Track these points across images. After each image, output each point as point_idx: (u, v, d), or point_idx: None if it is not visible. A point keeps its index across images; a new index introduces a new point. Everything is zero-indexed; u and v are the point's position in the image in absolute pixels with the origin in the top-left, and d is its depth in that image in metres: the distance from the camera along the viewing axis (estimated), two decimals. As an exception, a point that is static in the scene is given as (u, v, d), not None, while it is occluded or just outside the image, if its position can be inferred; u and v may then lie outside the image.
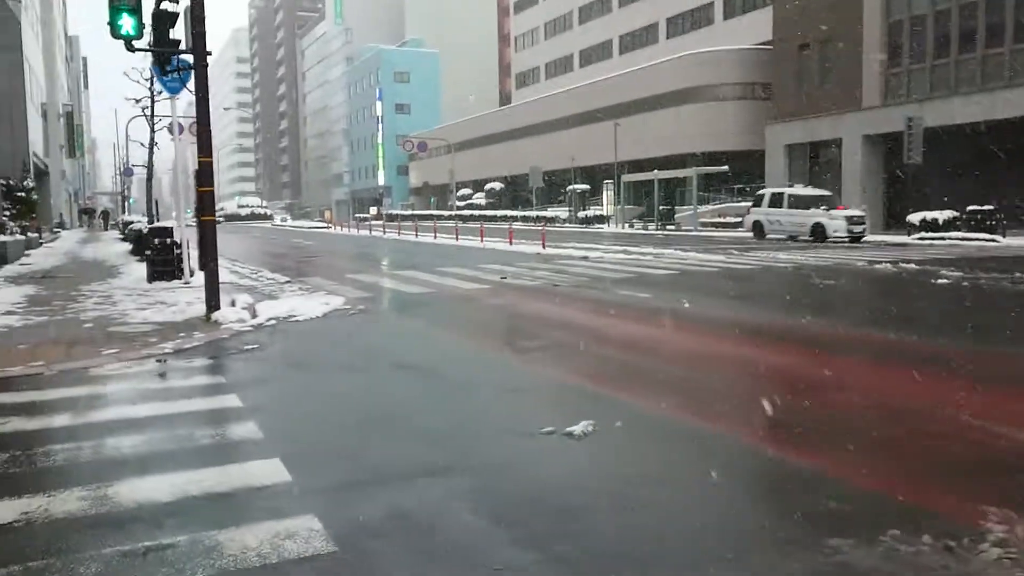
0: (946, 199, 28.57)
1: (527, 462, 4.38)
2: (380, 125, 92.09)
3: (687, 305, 10.48)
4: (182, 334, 8.94)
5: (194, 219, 16.38)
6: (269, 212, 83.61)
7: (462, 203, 68.26)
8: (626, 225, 42.62)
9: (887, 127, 32.33)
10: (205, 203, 10.37)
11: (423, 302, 11.79)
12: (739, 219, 39.46)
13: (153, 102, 21.38)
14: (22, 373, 7.05)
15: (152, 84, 21.08)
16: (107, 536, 3.48)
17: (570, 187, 48.89)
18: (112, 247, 28.11)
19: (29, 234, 26.57)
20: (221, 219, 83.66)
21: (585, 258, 18.91)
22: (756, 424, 5.09)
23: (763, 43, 46.64)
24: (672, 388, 6.11)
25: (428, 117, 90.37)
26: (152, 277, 14.75)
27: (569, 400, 5.81)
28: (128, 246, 26.62)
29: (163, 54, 10.67)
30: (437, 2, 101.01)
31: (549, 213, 50.57)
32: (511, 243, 24.02)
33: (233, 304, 10.43)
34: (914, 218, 27.84)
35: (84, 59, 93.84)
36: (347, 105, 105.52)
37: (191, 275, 14.76)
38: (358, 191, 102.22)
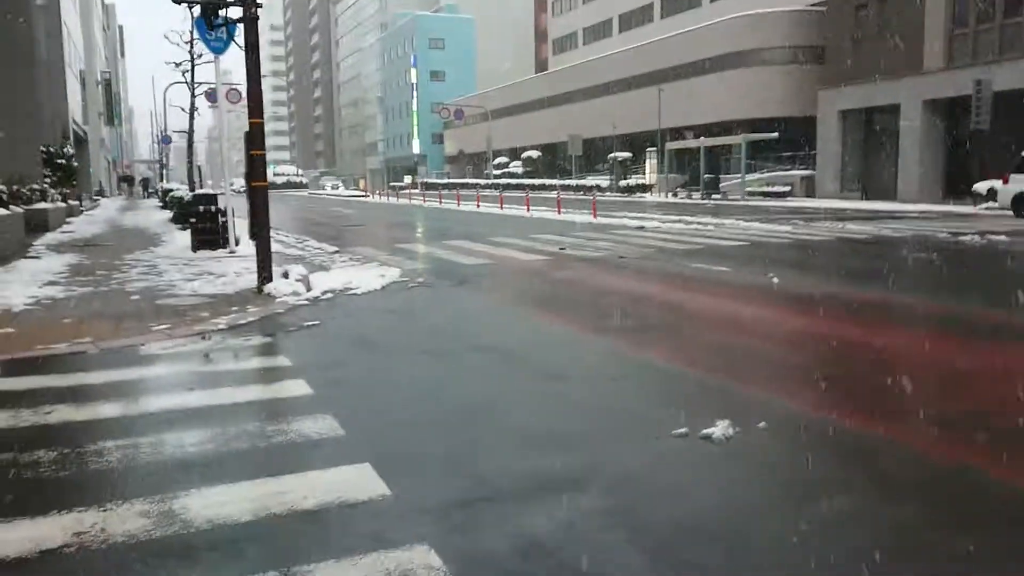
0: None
1: (670, 474, 3.64)
2: (415, 93, 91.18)
3: (776, 280, 9.61)
4: (235, 308, 8.31)
5: (230, 187, 15.82)
6: (304, 181, 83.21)
7: (498, 171, 67.32)
8: (670, 194, 41.48)
9: (950, 91, 30.74)
10: (256, 167, 9.69)
11: (484, 274, 11.06)
12: (787, 188, 38.13)
13: (193, 66, 20.76)
14: (68, 351, 6.46)
15: (192, 47, 20.45)
16: (179, 570, 2.81)
17: (611, 155, 47.71)
18: (152, 215, 27.77)
19: (70, 202, 26.29)
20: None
21: (642, 228, 18.04)
22: (934, 429, 4.27)
23: (815, 4, 44.85)
24: (808, 380, 5.30)
25: (463, 84, 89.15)
26: (196, 246, 14.20)
27: (688, 393, 5.04)
28: (168, 214, 26.25)
29: (210, 5, 9.94)
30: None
31: (589, 182, 49.46)
32: (559, 212, 23.16)
33: (286, 276, 9.78)
34: (981, 187, 26.42)
35: (120, 27, 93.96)
36: (381, 73, 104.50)
37: (236, 244, 14.18)
38: (392, 159, 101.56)
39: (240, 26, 13.24)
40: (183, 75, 20.75)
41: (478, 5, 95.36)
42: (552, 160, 67.72)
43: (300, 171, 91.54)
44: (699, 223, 19.15)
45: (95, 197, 42.86)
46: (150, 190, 58.14)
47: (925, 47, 31.93)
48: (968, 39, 30.72)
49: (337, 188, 78.02)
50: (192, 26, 19.96)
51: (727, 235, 15.95)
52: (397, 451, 4.00)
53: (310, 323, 7.47)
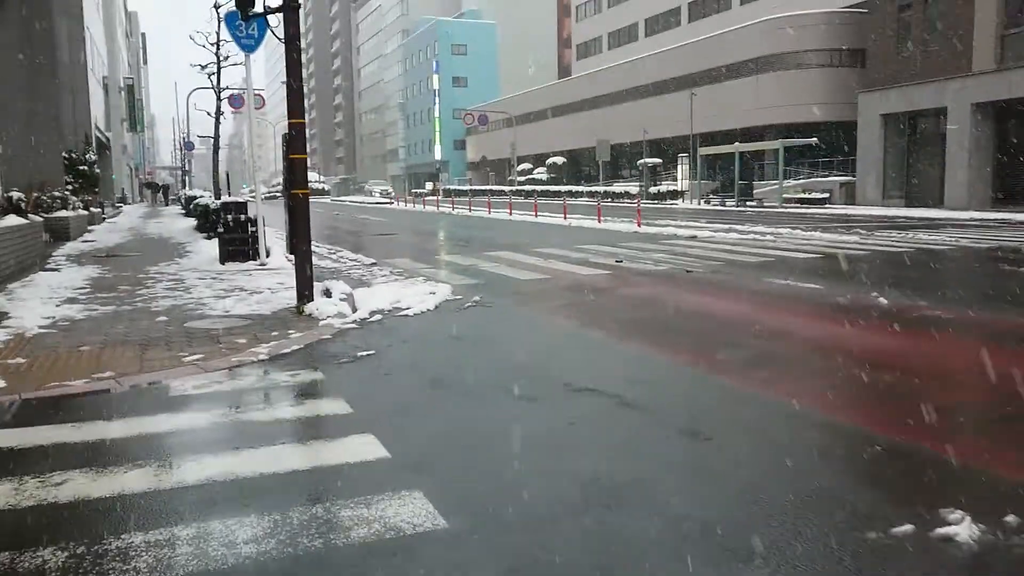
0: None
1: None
2: (437, 99, 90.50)
3: (883, 301, 8.49)
4: (275, 333, 7.30)
5: (249, 193, 14.94)
6: (327, 187, 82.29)
7: (522, 178, 66.34)
8: (702, 201, 40.25)
9: (1003, 94, 29.43)
10: (297, 172, 8.70)
11: (544, 292, 10.01)
12: (826, 194, 36.76)
13: (219, 68, 19.92)
14: (86, 389, 5.47)
15: (219, 48, 19.62)
16: None
17: (641, 161, 46.58)
18: (176, 223, 26.98)
19: (92, 209, 25.57)
20: (278, 193, 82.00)
21: (694, 237, 16.92)
22: None
23: (851, 6, 43.61)
24: None
25: (485, 90, 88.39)
26: (225, 257, 13.27)
27: (879, 464, 3.90)
28: (192, 222, 25.49)
29: (246, -6, 8.98)
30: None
31: (618, 188, 48.36)
32: (600, 220, 22.06)
33: (328, 294, 8.79)
34: (1040, 193, 25.11)
35: (143, 35, 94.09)
36: (403, 79, 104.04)
37: (267, 256, 13.24)
38: (414, 166, 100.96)
39: (272, 22, 12.36)
40: (209, 78, 19.90)
41: (500, 11, 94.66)
42: (576, 166, 66.72)
43: (322, 177, 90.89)
44: (755, 233, 17.96)
45: (117, 204, 42.32)
46: (171, 197, 57.69)
47: (974, 47, 30.59)
48: (1022, 38, 29.38)
49: (388, 194, 70.31)
50: (219, 26, 19.11)
51: (791, 246, 14.80)
52: (533, 562, 2.93)
53: (363, 352, 6.44)
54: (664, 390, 5.35)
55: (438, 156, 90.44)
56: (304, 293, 8.47)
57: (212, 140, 19.91)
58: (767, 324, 7.48)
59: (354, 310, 8.35)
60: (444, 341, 7.08)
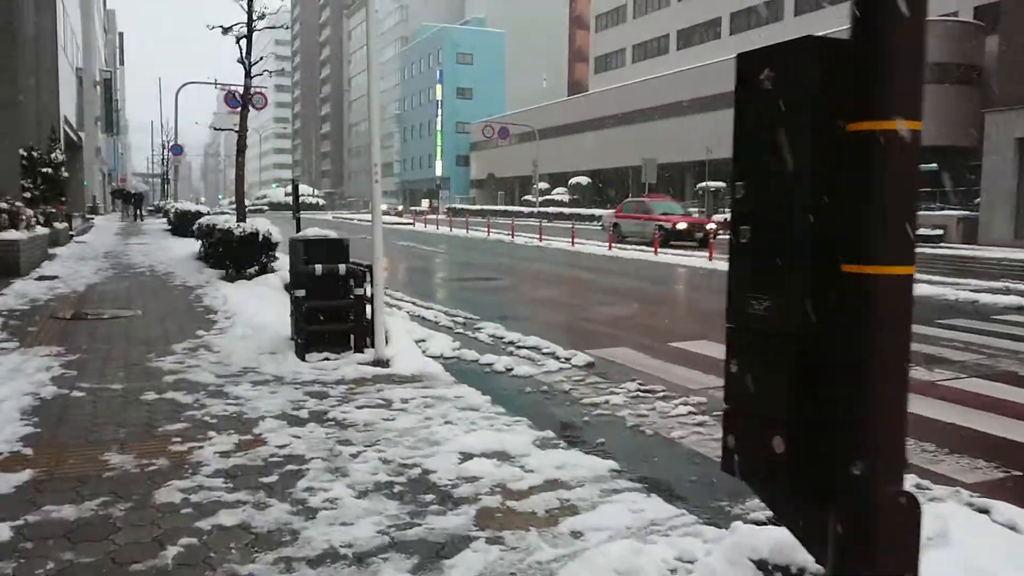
0: None
1: None
2: (440, 110, 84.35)
3: None
4: None
5: (228, 205, 8.65)
6: (322, 202, 75.13)
7: (541, 198, 60.20)
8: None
9: None
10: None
11: None
12: (939, 231, 31.05)
13: (251, 31, 13.62)
14: None
15: (251, 4, 13.32)
16: None
17: (701, 184, 40.67)
18: (167, 245, 20.44)
19: (56, 225, 19.00)
20: (265, 207, 74.82)
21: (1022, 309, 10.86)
22: None
23: (949, 14, 38.25)
24: None
25: (490, 103, 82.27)
26: (305, 343, 6.85)
27: None
28: (187, 244, 19.01)
29: None
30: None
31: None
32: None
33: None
34: None
35: (121, 34, 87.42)
36: (400, 89, 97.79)
37: (385, 343, 6.84)
38: (410, 182, 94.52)
39: None
40: (237, 42, 13.59)
41: (506, 20, 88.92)
42: (599, 187, 60.83)
43: (316, 191, 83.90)
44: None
45: (88, 216, 35.51)
46: (147, 208, 50.59)
47: None
48: None
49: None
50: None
51: None
52: None
53: None
54: None
55: (439, 172, 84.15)
56: None
57: (238, 136, 13.53)
58: None
59: None
60: None
